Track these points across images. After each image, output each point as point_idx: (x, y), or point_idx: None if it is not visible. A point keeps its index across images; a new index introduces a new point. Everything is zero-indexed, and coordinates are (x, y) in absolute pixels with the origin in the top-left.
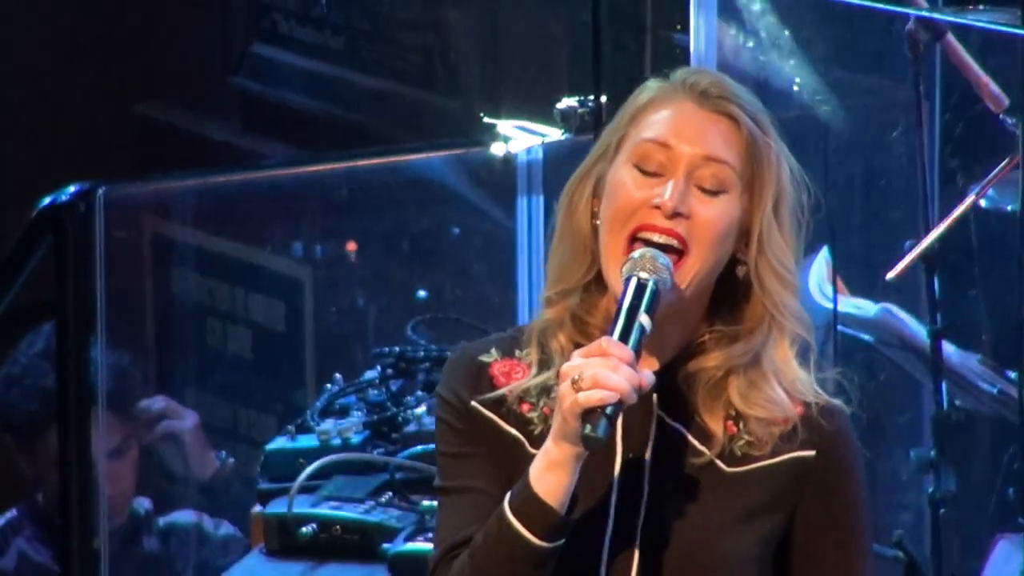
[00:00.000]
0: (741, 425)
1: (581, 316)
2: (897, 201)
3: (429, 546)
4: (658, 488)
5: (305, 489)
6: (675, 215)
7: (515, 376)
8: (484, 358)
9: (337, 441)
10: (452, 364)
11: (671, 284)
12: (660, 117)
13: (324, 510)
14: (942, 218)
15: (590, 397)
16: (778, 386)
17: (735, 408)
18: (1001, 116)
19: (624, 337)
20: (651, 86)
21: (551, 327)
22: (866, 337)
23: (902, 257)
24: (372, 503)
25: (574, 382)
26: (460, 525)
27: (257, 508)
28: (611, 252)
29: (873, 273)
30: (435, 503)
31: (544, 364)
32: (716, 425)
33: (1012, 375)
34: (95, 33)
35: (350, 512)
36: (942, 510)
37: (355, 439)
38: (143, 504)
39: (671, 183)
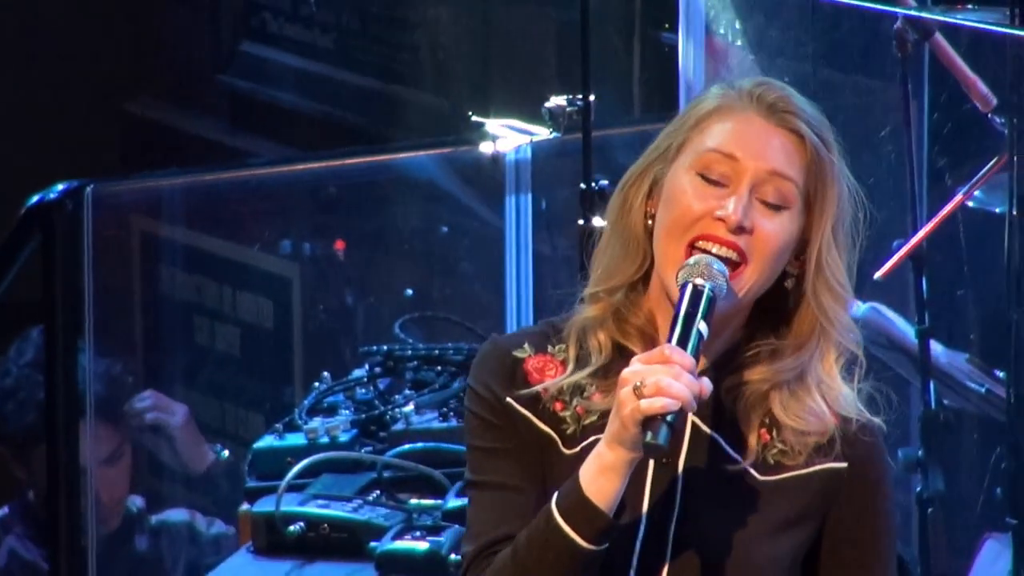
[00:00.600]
0: (775, 433)
1: (623, 315)
2: (885, 201)
3: (416, 544)
4: (690, 495)
5: (293, 487)
6: (739, 229)
7: (548, 373)
8: (518, 353)
9: (325, 439)
10: (485, 357)
11: (727, 291)
12: (726, 128)
13: (312, 508)
14: (930, 218)
15: (652, 404)
16: (820, 399)
17: (771, 417)
18: (989, 116)
19: (683, 343)
20: (715, 93)
21: (592, 324)
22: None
23: (890, 257)
24: (360, 501)
25: (636, 388)
26: (495, 522)
27: (245, 506)
28: (668, 257)
29: (861, 272)
30: (422, 501)
31: (580, 361)
32: (751, 433)
33: (1000, 374)
34: (85, 31)
35: (338, 510)
36: (930, 509)
37: (343, 437)
38: (135, 503)
39: (735, 197)
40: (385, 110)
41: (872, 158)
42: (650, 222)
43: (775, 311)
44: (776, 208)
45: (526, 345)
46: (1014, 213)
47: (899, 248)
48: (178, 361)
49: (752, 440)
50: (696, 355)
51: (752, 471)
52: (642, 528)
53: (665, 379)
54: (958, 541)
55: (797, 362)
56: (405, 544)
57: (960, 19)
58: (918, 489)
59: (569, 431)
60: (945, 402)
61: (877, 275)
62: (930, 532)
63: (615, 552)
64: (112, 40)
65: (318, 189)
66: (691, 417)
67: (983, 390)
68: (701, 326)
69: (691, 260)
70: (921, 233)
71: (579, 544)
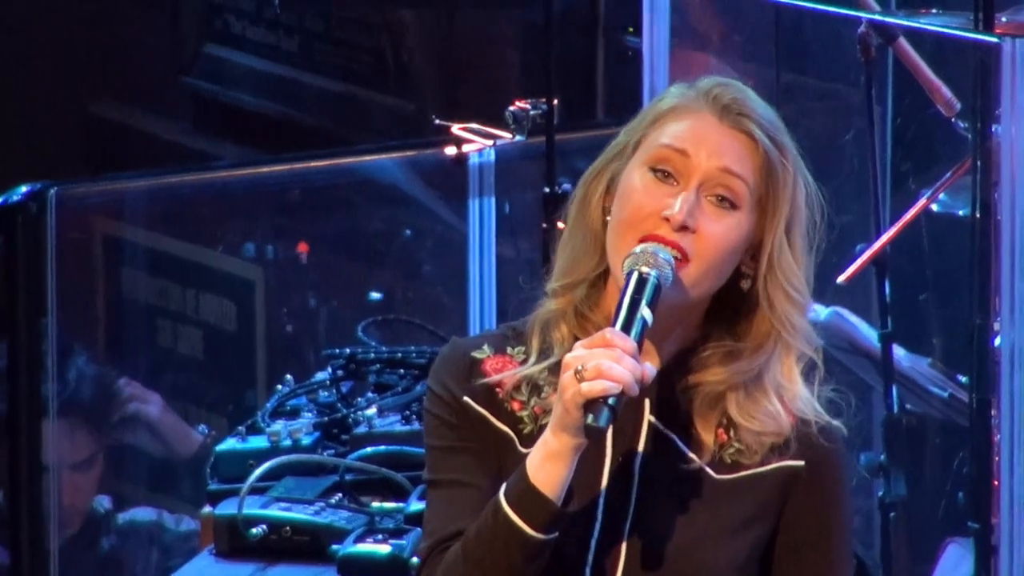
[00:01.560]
0: (732, 433)
1: (583, 311)
2: (849, 205)
3: (378, 547)
4: (646, 492)
5: (255, 490)
6: (682, 228)
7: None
8: (476, 354)
9: (287, 442)
10: (444, 358)
11: (673, 279)
12: (680, 126)
13: (274, 511)
14: (893, 222)
15: (593, 387)
16: (777, 401)
17: (728, 417)
18: (953, 120)
19: (626, 329)
20: (674, 92)
21: (553, 319)
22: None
23: (853, 261)
24: (322, 504)
25: (577, 372)
26: (450, 519)
27: (207, 509)
28: (619, 253)
29: (824, 276)
30: (384, 504)
31: (543, 355)
32: (707, 433)
33: (963, 379)
34: (48, 33)
35: (300, 513)
36: (892, 514)
37: (305, 440)
38: (103, 503)
39: (682, 195)
40: (349, 113)
41: (836, 162)
42: (608, 218)
43: (733, 311)
44: (725, 207)
45: (485, 346)
46: (977, 217)
47: (862, 252)
48: (141, 363)
49: (708, 439)
50: (640, 341)
51: (708, 470)
52: (597, 527)
53: (606, 362)
54: (920, 546)
55: (753, 364)
56: (367, 547)
57: (924, 23)
58: (880, 493)
59: (526, 430)
60: (908, 407)
61: (840, 279)
62: (892, 536)
63: (572, 547)
64: (75, 42)
65: (281, 192)
66: (647, 416)
67: (946, 395)
68: (645, 312)
69: (637, 248)
70: (884, 237)
71: (528, 533)
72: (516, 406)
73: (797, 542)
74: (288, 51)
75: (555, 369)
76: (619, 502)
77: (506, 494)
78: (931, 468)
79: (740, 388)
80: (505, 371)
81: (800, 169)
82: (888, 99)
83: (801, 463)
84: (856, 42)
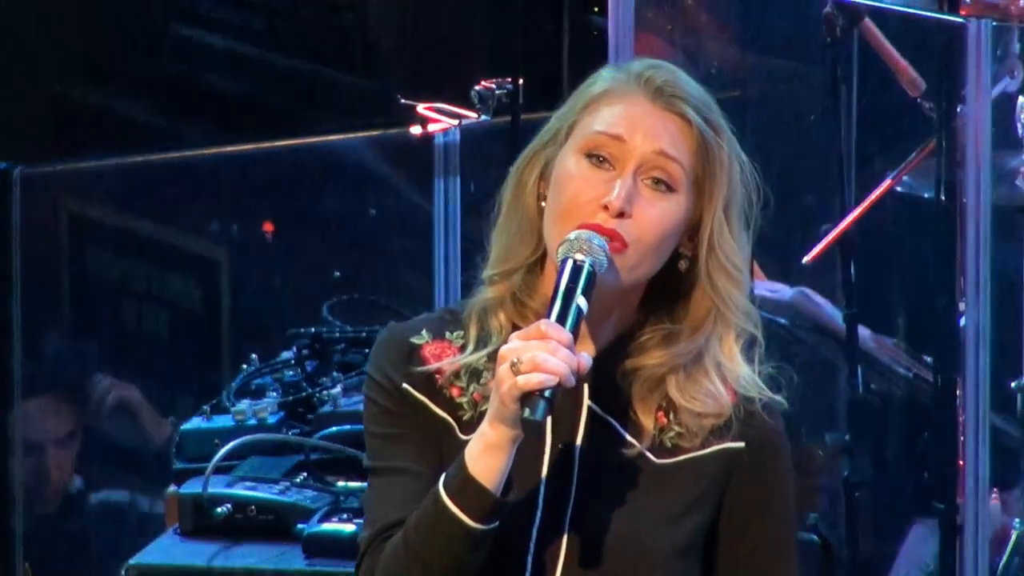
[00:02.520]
0: (672, 416)
1: (521, 298)
2: (813, 185)
3: (343, 526)
4: (587, 479)
5: (220, 469)
6: (620, 214)
7: (445, 359)
8: (415, 339)
9: (252, 421)
10: (382, 344)
11: (609, 265)
12: (613, 111)
13: (239, 491)
14: (858, 203)
15: (529, 380)
16: (719, 381)
17: (668, 399)
18: (918, 100)
19: (561, 319)
20: (606, 76)
21: (491, 306)
22: (782, 320)
23: (818, 241)
24: (287, 484)
25: (513, 365)
26: (391, 507)
27: (172, 488)
28: (556, 241)
29: (789, 257)
30: (349, 484)
31: (480, 342)
32: (647, 417)
33: (927, 359)
34: (13, 12)
35: (265, 493)
36: (857, 494)
37: (270, 420)
38: (75, 483)
39: (619, 181)
40: (314, 92)
41: (801, 143)
42: (543, 204)
43: (671, 293)
44: (662, 190)
45: (424, 331)
46: (942, 199)
47: (827, 233)
48: (106, 342)
49: (648, 424)
50: (575, 330)
51: (649, 455)
52: (538, 515)
53: (541, 355)
54: (885, 525)
55: (693, 345)
56: (332, 526)
57: (889, 4)
58: (845, 474)
59: (466, 417)
60: (872, 387)
61: (805, 260)
62: (857, 517)
63: (513, 535)
64: (42, 22)
65: (247, 171)
66: (586, 402)
67: (910, 375)
68: (580, 301)
69: (571, 235)
70: (849, 218)
71: (467, 523)
72: (455, 392)
73: (740, 523)
74: (255, 30)
75: (494, 356)
76: (560, 490)
77: (445, 485)
78: (896, 448)
79: (680, 370)
80: (444, 356)
81: (734, 148)
82: (853, 79)
83: (742, 444)
84: (821, 22)
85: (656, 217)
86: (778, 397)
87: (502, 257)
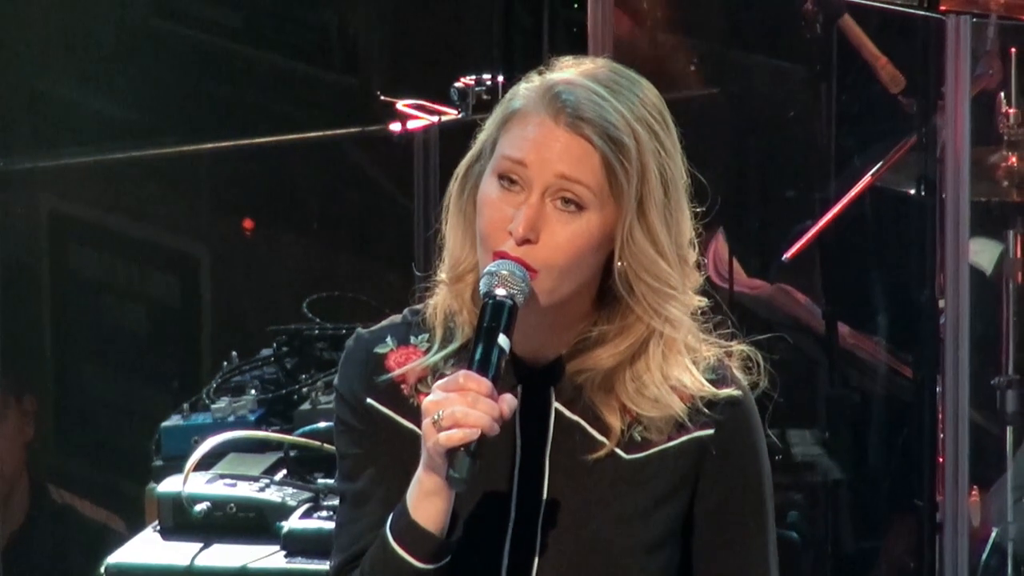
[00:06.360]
0: (640, 411)
1: (478, 299)
2: (793, 182)
3: (323, 524)
4: (558, 482)
5: (199, 467)
6: (524, 242)
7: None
8: (379, 349)
9: (232, 419)
10: (348, 356)
11: (530, 292)
12: (521, 132)
13: (218, 488)
14: (838, 199)
15: (451, 437)
16: (665, 386)
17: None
18: (898, 96)
19: (483, 364)
20: (522, 92)
21: (454, 306)
22: (761, 316)
23: (798, 238)
24: (266, 481)
25: (434, 421)
26: (356, 536)
27: (151, 485)
28: (482, 263)
29: (769, 253)
30: (329, 480)
31: (445, 343)
32: (613, 415)
33: (907, 356)
34: None
35: (244, 490)
36: (836, 491)
37: (250, 417)
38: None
39: (523, 208)
40: (294, 89)
41: (780, 139)
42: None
43: (618, 296)
44: (572, 210)
45: (388, 339)
46: (922, 194)
47: (807, 229)
48: (86, 340)
49: (615, 421)
50: (497, 372)
51: (619, 451)
52: (512, 517)
53: (461, 409)
54: (865, 523)
55: (620, 348)
56: (312, 524)
57: (869, 0)
58: (824, 470)
59: None
60: (852, 383)
61: (785, 256)
62: (837, 513)
63: (487, 542)
64: (21, 19)
65: (227, 168)
66: (554, 404)
67: (890, 371)
68: (502, 341)
69: (492, 267)
70: (829, 214)
71: (415, 565)
72: (422, 400)
73: (714, 510)
74: (233, 26)
75: (459, 355)
76: (531, 495)
77: (391, 527)
78: (875, 445)
79: (624, 372)
80: (409, 363)
81: (651, 154)
82: (833, 75)
83: (711, 431)
84: (801, 18)
85: (565, 240)
86: (733, 391)
87: (453, 262)
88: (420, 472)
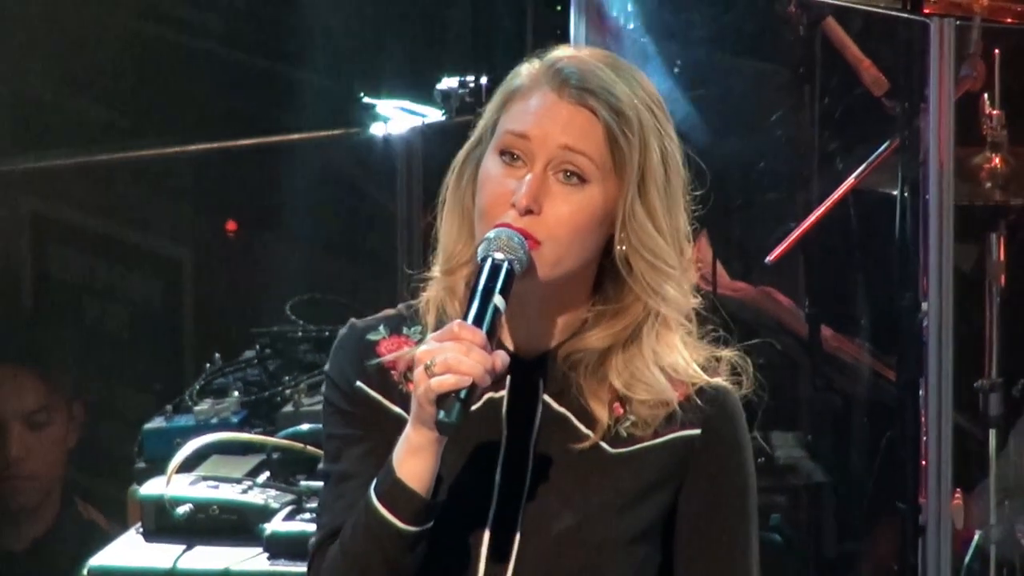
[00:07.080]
0: (628, 407)
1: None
2: (777, 184)
3: (305, 526)
4: (542, 473)
5: (182, 469)
6: (527, 212)
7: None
8: (372, 336)
9: (214, 421)
10: (340, 342)
11: (528, 263)
12: (524, 107)
13: (201, 490)
14: (821, 201)
15: (443, 382)
16: (657, 370)
17: (620, 390)
18: (881, 99)
19: (478, 318)
20: (523, 71)
21: (445, 297)
22: (745, 319)
23: (781, 240)
24: (249, 483)
25: (427, 367)
26: (339, 512)
27: (133, 487)
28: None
29: (752, 256)
30: (312, 483)
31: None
32: (601, 408)
33: (890, 359)
34: None
35: (227, 493)
36: (819, 493)
37: (232, 419)
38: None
39: (526, 180)
40: (276, 91)
41: (763, 141)
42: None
43: (615, 279)
44: (574, 183)
45: (381, 327)
46: (905, 196)
47: (790, 232)
48: (68, 341)
49: (603, 415)
50: (492, 329)
51: (604, 444)
52: (493, 505)
53: (454, 356)
54: (847, 525)
55: (616, 327)
56: (295, 526)
57: (852, 2)
58: (807, 472)
59: None
60: (834, 386)
61: (768, 259)
62: (820, 516)
63: (468, 529)
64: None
65: (209, 171)
66: (542, 395)
67: (873, 374)
68: (498, 300)
69: (491, 234)
70: (812, 217)
71: (398, 526)
72: (411, 387)
73: (698, 512)
74: (215, 29)
75: None
76: (514, 485)
77: (375, 489)
78: (858, 447)
79: (618, 353)
80: (400, 351)
81: (652, 132)
82: (816, 78)
83: (697, 432)
84: (785, 21)
85: (567, 212)
86: (722, 382)
87: (447, 254)
88: (408, 429)
